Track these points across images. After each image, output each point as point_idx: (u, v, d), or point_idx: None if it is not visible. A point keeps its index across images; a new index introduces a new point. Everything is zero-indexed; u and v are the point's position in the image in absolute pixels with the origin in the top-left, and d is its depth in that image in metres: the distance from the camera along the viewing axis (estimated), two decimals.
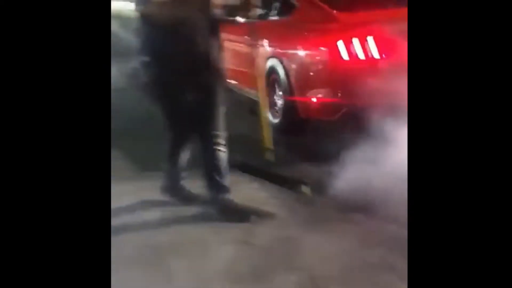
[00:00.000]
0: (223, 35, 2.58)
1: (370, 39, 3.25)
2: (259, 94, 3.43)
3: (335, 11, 3.61)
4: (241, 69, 4.17)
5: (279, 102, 3.85)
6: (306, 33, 3.67)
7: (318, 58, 3.53)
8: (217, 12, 2.45)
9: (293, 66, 3.65)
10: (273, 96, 3.90)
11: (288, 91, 3.66)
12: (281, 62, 3.72)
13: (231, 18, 3.14)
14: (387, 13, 3.44)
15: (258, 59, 3.66)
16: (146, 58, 2.43)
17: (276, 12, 4.14)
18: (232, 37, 4.05)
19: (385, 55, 3.24)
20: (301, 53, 3.67)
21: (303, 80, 3.62)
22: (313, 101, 3.52)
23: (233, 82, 4.17)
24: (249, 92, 4.17)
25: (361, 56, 3.27)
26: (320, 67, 3.52)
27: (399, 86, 2.71)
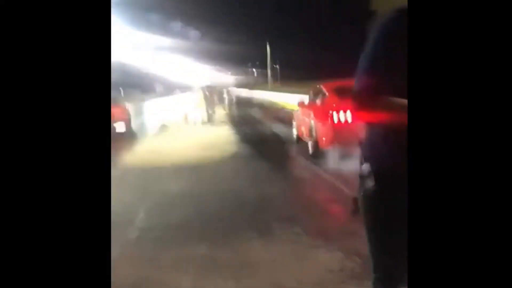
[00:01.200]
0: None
1: (348, 112, 6.84)
2: None
3: (337, 97, 7.15)
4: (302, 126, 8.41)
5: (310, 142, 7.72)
6: (322, 108, 7.44)
7: (326, 120, 6.81)
8: None
9: (319, 124, 7.31)
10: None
11: (315, 136, 7.44)
12: (314, 122, 7.58)
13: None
14: None
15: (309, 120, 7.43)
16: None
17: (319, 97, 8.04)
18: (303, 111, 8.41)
19: (354, 120, 6.94)
20: (320, 117, 7.40)
21: (320, 130, 7.33)
22: (323, 141, 7.13)
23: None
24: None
25: (342, 120, 6.91)
26: (326, 124, 6.87)
27: (361, 134, 6.82)
